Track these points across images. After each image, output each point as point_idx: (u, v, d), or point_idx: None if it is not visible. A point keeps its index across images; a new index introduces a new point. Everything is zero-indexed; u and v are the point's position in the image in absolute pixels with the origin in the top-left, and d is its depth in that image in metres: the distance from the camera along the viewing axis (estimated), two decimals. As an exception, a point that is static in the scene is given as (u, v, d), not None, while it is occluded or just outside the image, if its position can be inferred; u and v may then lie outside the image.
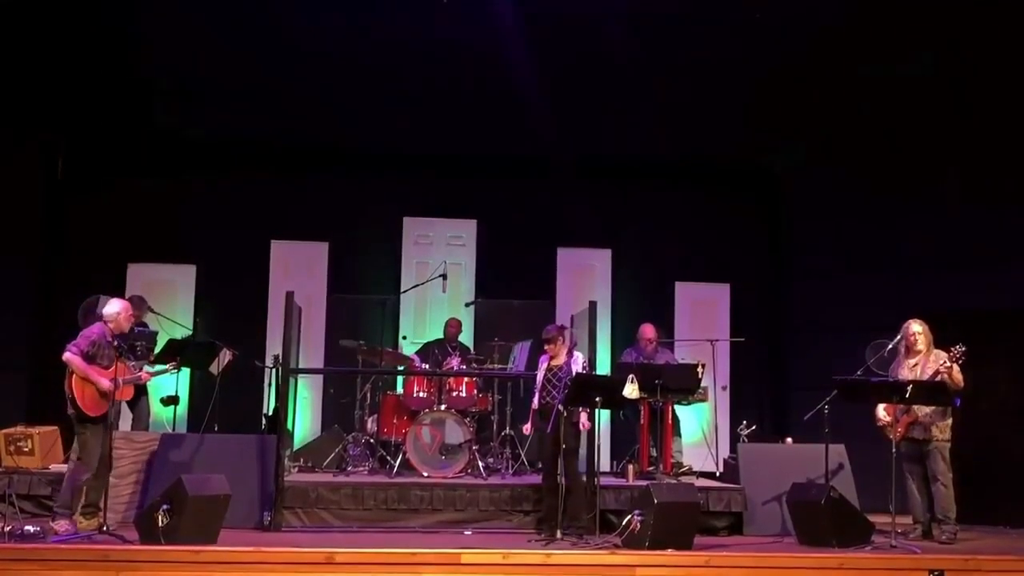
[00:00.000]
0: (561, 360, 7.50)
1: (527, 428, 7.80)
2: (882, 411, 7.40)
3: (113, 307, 7.10)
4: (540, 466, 8.77)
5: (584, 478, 7.35)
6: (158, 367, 7.65)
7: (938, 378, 7.18)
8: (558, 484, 7.16)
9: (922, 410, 7.32)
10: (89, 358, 6.87)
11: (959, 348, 7.18)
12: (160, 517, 6.28)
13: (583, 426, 7.25)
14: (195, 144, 10.65)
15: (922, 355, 7.45)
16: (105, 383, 6.85)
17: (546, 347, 7.58)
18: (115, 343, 6.96)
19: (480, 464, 8.48)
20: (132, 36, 9.22)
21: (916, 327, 7.51)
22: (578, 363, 7.46)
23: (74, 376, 6.82)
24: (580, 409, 7.22)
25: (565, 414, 7.19)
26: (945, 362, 7.23)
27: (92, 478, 6.98)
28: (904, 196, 9.96)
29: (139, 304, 8.62)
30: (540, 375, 7.59)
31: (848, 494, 7.46)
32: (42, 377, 9.87)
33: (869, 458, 7.68)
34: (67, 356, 6.84)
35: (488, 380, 9.18)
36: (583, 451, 7.46)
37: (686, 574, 6.28)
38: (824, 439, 7.22)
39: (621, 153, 10.87)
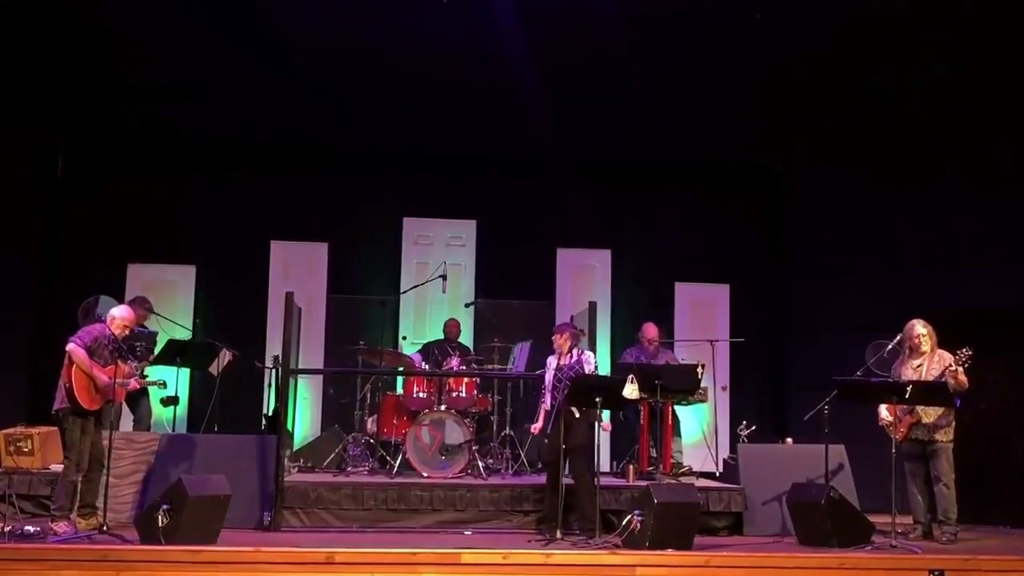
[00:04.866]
0: (569, 360, 7.46)
1: (536, 428, 7.71)
2: (884, 411, 7.39)
3: (117, 310, 7.15)
4: (540, 466, 8.82)
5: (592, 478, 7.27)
6: (148, 379, 7.62)
7: (943, 379, 7.16)
8: (560, 484, 7.17)
9: (926, 411, 7.30)
10: (89, 352, 6.90)
11: (965, 352, 7.14)
12: (160, 517, 6.28)
13: (604, 428, 7.16)
14: (195, 144, 10.67)
15: (926, 356, 7.41)
16: (104, 378, 6.88)
17: (554, 339, 7.54)
18: (112, 345, 6.96)
19: (480, 464, 8.48)
20: (132, 36, 9.22)
21: (921, 329, 7.44)
22: (590, 363, 7.42)
23: (74, 367, 6.84)
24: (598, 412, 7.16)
25: (579, 414, 7.18)
26: (951, 365, 7.20)
27: (84, 479, 6.99)
28: (904, 196, 9.97)
29: (142, 304, 8.63)
30: (549, 375, 7.55)
31: (848, 494, 7.46)
32: (42, 377, 9.86)
33: (869, 458, 7.69)
34: (71, 347, 6.86)
35: (488, 380, 9.18)
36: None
37: (686, 574, 6.27)
38: (824, 439, 7.23)
39: (621, 153, 10.87)
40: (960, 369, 7.17)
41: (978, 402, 7.53)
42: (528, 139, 10.27)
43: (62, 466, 7.09)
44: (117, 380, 6.94)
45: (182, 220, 10.67)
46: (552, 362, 7.59)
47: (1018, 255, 9.16)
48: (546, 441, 7.64)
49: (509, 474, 8.69)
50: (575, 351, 7.49)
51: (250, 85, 9.87)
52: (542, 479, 7.77)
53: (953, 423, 7.34)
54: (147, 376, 7.58)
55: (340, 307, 10.65)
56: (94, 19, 9.08)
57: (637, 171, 11.09)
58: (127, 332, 7.12)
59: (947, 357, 7.32)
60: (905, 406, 7.23)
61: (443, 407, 8.60)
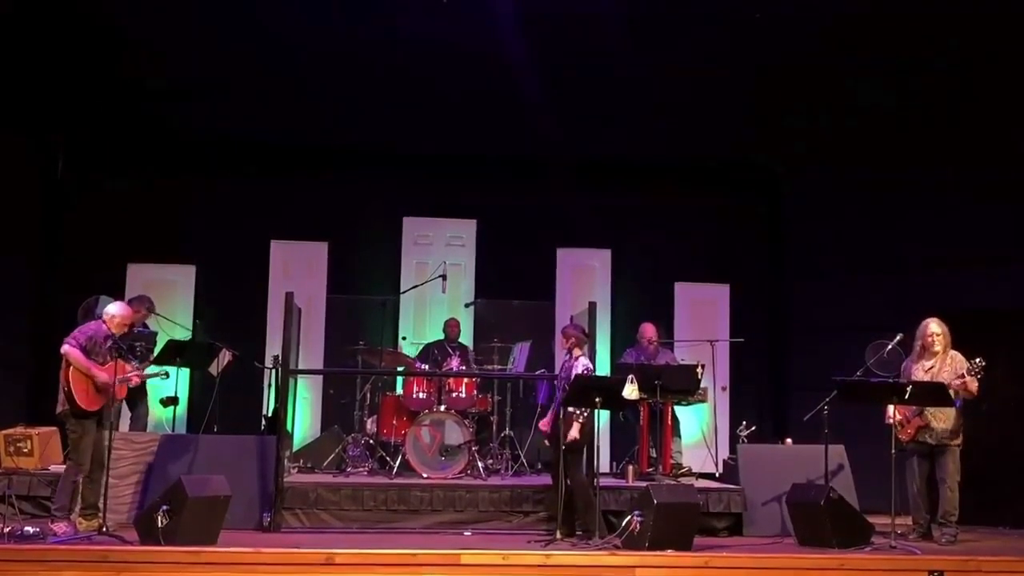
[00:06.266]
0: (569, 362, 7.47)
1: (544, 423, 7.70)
2: (892, 410, 7.28)
3: (114, 308, 7.11)
4: (540, 467, 8.86)
5: (586, 479, 7.24)
6: (150, 370, 7.62)
7: (956, 382, 7.13)
8: (558, 484, 7.17)
9: (935, 416, 7.26)
10: (85, 352, 6.87)
11: (979, 363, 7.11)
12: (160, 518, 6.28)
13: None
14: (195, 144, 10.65)
15: (938, 357, 7.37)
16: (103, 376, 6.85)
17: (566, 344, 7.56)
18: (110, 343, 6.95)
19: (480, 465, 8.48)
20: (132, 36, 9.22)
21: (935, 328, 7.40)
22: (578, 368, 7.36)
23: (71, 369, 6.81)
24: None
25: (575, 413, 7.17)
26: (964, 375, 7.16)
27: (86, 480, 6.97)
28: (904, 196, 9.96)
29: (143, 303, 8.61)
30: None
31: (848, 495, 7.46)
32: (42, 377, 9.87)
33: (869, 459, 7.67)
34: (66, 348, 6.83)
35: (488, 381, 9.18)
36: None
37: (686, 575, 6.28)
38: (824, 439, 7.23)
39: (621, 153, 10.86)
40: (974, 379, 7.14)
41: (978, 403, 7.50)
42: (528, 139, 10.28)
43: (63, 467, 7.09)
44: (118, 377, 6.94)
45: (182, 220, 10.67)
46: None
47: (1018, 255, 9.16)
48: (546, 442, 7.66)
49: (509, 475, 8.70)
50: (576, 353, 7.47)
51: (251, 85, 9.87)
52: (541, 480, 7.77)
53: (962, 427, 7.32)
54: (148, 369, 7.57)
55: (340, 307, 10.65)
56: (94, 19, 9.08)
57: (637, 171, 11.07)
58: (126, 330, 7.11)
59: (959, 359, 7.29)
60: (914, 407, 7.22)
61: (443, 407, 8.60)
